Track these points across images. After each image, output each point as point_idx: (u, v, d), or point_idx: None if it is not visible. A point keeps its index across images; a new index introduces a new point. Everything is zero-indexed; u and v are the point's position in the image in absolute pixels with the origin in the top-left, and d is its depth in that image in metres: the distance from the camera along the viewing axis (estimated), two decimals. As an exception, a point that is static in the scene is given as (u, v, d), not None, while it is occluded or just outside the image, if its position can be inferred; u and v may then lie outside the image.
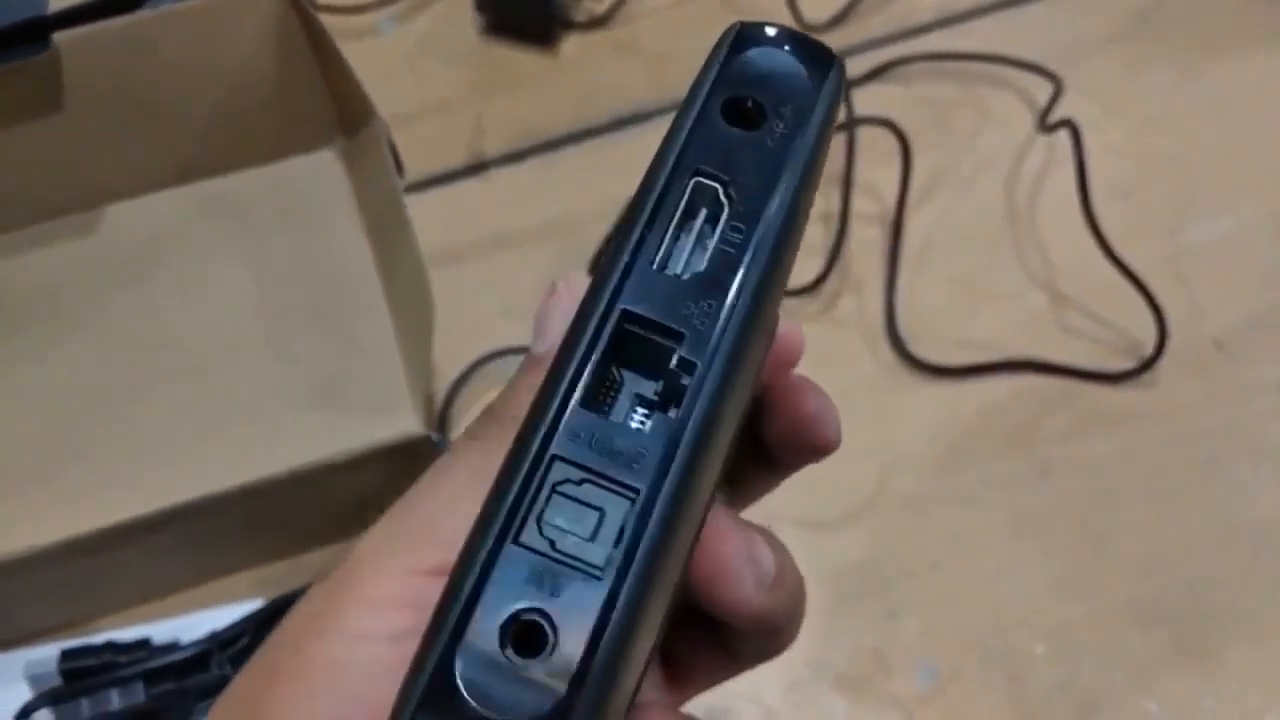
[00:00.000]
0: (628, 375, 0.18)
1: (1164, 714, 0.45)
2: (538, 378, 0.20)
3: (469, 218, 0.56)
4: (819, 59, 0.20)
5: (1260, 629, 0.47)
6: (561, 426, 0.17)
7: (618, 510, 0.17)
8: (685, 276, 0.19)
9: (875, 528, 0.49)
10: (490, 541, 0.17)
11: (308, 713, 0.20)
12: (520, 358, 0.56)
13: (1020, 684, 0.46)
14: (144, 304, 0.49)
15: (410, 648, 0.19)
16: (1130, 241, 0.53)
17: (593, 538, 0.17)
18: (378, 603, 0.20)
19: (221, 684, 0.43)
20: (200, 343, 0.48)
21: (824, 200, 0.56)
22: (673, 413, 0.18)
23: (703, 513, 0.21)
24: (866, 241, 0.55)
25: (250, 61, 0.48)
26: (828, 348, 0.53)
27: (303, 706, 0.20)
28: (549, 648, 0.16)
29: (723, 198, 0.19)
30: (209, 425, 0.46)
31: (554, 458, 0.17)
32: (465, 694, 0.16)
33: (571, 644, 0.16)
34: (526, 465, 0.17)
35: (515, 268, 0.54)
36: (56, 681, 0.43)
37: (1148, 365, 0.51)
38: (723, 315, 0.18)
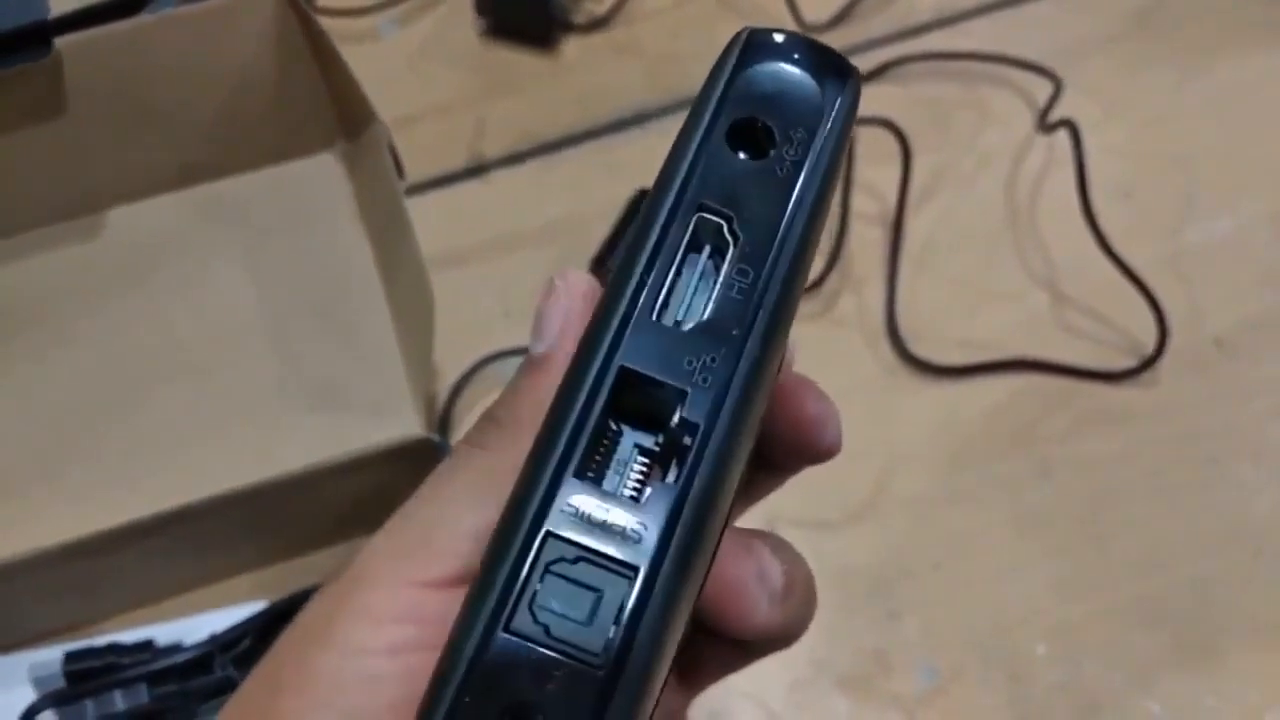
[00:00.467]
0: (626, 428, 0.17)
1: (1165, 714, 0.45)
2: (537, 380, 0.20)
3: (470, 220, 0.56)
4: (835, 72, 0.19)
5: (1262, 628, 0.47)
6: (555, 500, 0.16)
7: (616, 591, 0.16)
8: (688, 326, 0.17)
9: (876, 528, 0.49)
10: (480, 628, 0.15)
11: None
12: (520, 360, 0.56)
13: (1021, 684, 0.46)
14: (146, 307, 0.49)
15: (409, 661, 0.19)
16: (1131, 241, 0.53)
17: (589, 621, 0.16)
18: (377, 616, 0.20)
19: (224, 685, 0.43)
20: (202, 345, 0.48)
21: (824, 201, 0.56)
22: (672, 477, 0.16)
23: (708, 569, 0.20)
24: (867, 241, 0.55)
25: (251, 65, 0.49)
26: (828, 348, 0.53)
27: (306, 718, 0.20)
28: None
29: (728, 234, 0.18)
30: (211, 427, 0.46)
31: (548, 534, 0.16)
32: None
33: None
34: (519, 543, 0.16)
35: (516, 269, 0.54)
36: (60, 684, 0.43)
37: (1148, 365, 0.51)
38: (727, 371, 0.17)
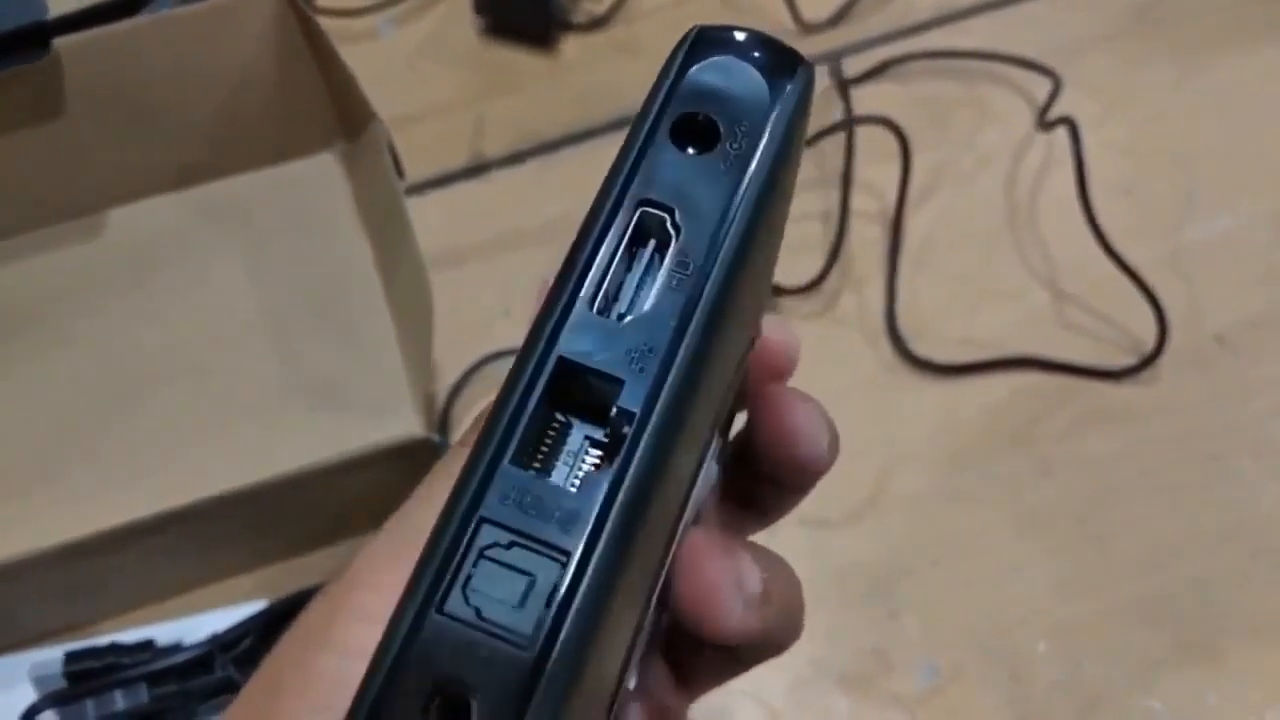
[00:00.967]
0: (575, 420, 0.17)
1: (1166, 712, 0.45)
2: None
3: (469, 219, 0.56)
4: (783, 65, 0.19)
5: (1263, 626, 0.47)
6: (491, 487, 0.16)
7: (548, 575, 0.16)
8: (629, 318, 0.17)
9: (876, 526, 0.49)
10: (413, 611, 0.16)
11: None
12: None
13: (1022, 683, 0.46)
14: (145, 307, 0.49)
15: None
16: (1131, 238, 0.53)
17: (521, 605, 0.16)
18: (376, 617, 0.20)
19: (225, 685, 0.43)
20: (202, 345, 0.48)
21: (824, 199, 0.56)
22: (606, 470, 0.17)
23: (659, 559, 0.20)
24: (866, 240, 0.55)
25: (250, 65, 0.49)
26: (828, 346, 0.53)
27: (307, 719, 0.20)
28: None
29: (670, 227, 0.18)
30: (211, 427, 0.46)
31: (481, 520, 0.16)
32: None
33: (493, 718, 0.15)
34: (453, 529, 0.16)
35: (516, 269, 0.54)
36: (61, 683, 0.43)
37: (1149, 362, 0.51)
38: (664, 360, 0.17)
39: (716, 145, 0.18)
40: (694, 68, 0.19)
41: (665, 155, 0.18)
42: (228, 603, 0.45)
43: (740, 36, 0.19)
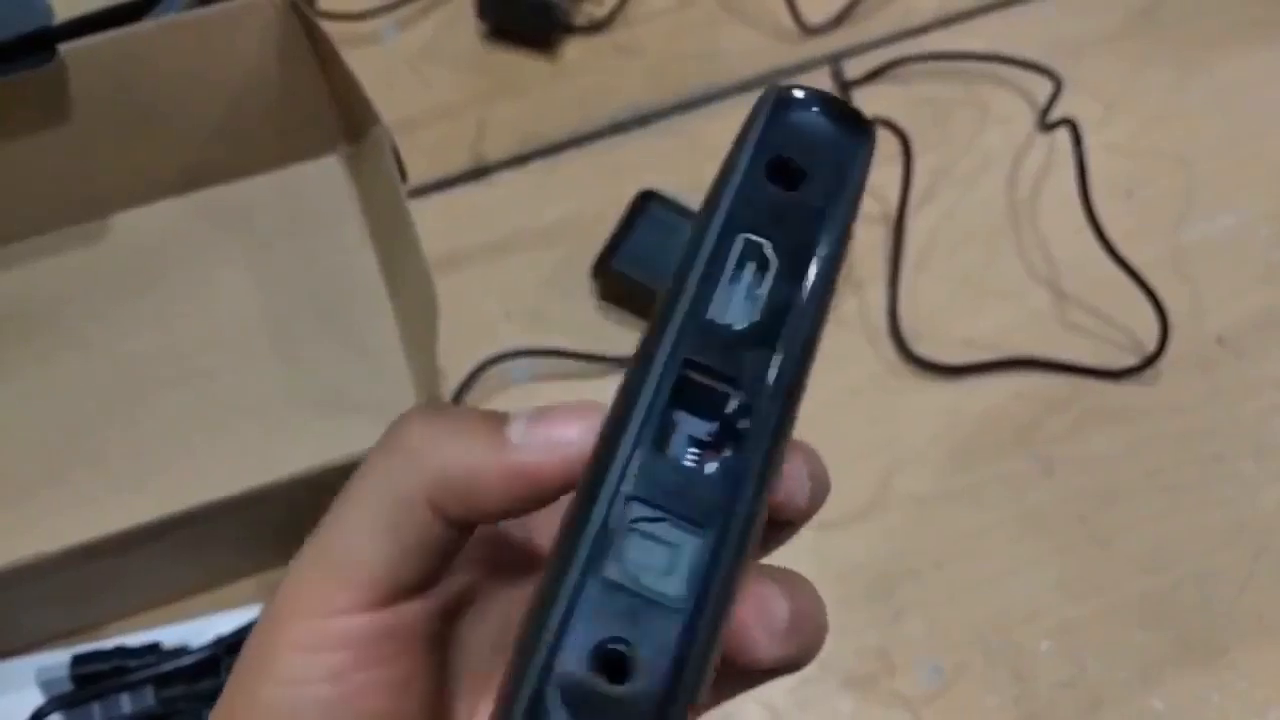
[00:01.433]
0: (681, 417, 0.20)
1: (1169, 711, 0.45)
2: (449, 426, 0.21)
3: (472, 222, 0.56)
4: (855, 123, 0.21)
5: (1265, 625, 0.47)
6: (633, 468, 0.19)
7: (691, 547, 0.18)
8: (739, 327, 0.20)
9: (880, 527, 0.49)
10: (576, 574, 0.18)
11: None
12: (523, 361, 0.56)
13: (1025, 682, 0.46)
14: (151, 311, 0.49)
15: (351, 682, 0.21)
16: (1132, 239, 0.53)
17: (669, 572, 0.18)
18: (308, 648, 0.22)
19: (230, 688, 0.43)
20: (206, 349, 0.48)
21: (826, 201, 0.56)
22: (732, 454, 0.19)
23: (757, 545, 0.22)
24: (869, 242, 0.55)
25: (254, 70, 0.49)
26: (831, 348, 0.52)
27: None
28: (634, 674, 0.17)
29: (768, 254, 0.20)
30: (216, 431, 0.46)
31: (630, 498, 0.19)
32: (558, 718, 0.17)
33: (655, 670, 0.17)
34: (604, 504, 0.18)
35: (518, 271, 0.54)
36: (68, 686, 0.43)
37: (1150, 362, 0.51)
38: (776, 363, 0.20)
39: (802, 185, 0.21)
40: (779, 118, 0.21)
41: (760, 191, 0.21)
42: (233, 605, 0.45)
43: (815, 96, 0.22)
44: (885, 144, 0.57)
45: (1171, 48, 0.60)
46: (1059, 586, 0.48)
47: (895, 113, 0.57)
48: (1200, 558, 0.48)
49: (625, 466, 0.19)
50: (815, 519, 0.51)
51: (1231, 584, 0.48)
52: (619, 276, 0.52)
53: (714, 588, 0.18)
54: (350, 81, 0.47)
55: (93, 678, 0.43)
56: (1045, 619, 0.47)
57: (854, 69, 0.59)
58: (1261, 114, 0.59)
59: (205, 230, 0.51)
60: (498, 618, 0.25)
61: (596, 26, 0.61)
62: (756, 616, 0.21)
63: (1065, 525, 0.49)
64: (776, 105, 0.21)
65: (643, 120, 0.58)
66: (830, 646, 0.49)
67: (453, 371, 0.51)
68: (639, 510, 0.19)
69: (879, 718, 0.45)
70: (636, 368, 0.20)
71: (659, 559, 0.18)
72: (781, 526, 0.25)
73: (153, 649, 0.44)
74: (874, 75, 0.59)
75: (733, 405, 0.19)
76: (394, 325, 0.48)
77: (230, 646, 0.43)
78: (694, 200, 0.50)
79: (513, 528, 0.26)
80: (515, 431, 0.21)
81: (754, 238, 0.20)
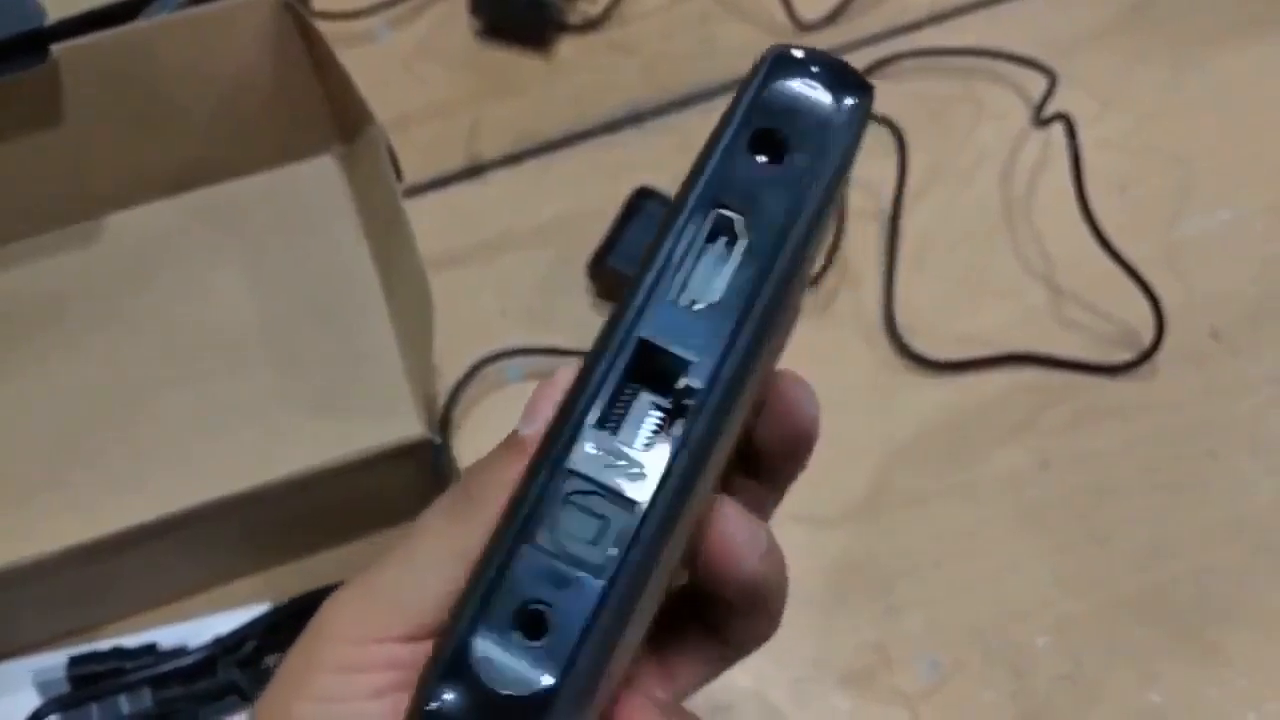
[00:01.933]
0: (643, 390, 0.20)
1: (1167, 706, 0.45)
2: (513, 460, 0.22)
3: (467, 220, 0.56)
4: (850, 86, 0.22)
5: (1262, 619, 0.47)
6: (578, 443, 0.20)
7: (618, 520, 0.19)
8: (699, 307, 0.20)
9: (876, 523, 0.49)
10: (509, 540, 0.19)
11: None
12: (520, 360, 0.56)
13: (1023, 677, 0.46)
14: (146, 311, 0.49)
15: (396, 699, 0.22)
16: (1127, 234, 0.53)
17: (595, 542, 0.19)
18: (350, 669, 0.23)
19: (228, 688, 0.43)
20: (202, 349, 0.48)
21: (821, 198, 0.56)
22: (676, 431, 0.20)
23: (696, 516, 0.22)
24: (864, 238, 0.55)
25: (248, 69, 0.49)
26: (827, 345, 0.53)
27: None
28: (551, 632, 0.19)
29: (739, 229, 0.21)
30: (213, 431, 0.46)
31: (569, 471, 0.20)
32: (476, 668, 0.18)
33: (568, 630, 0.19)
34: (543, 476, 0.20)
35: (514, 269, 0.54)
36: (65, 688, 0.43)
37: (1146, 358, 0.52)
38: (726, 346, 0.20)
39: (787, 157, 0.21)
40: (772, 85, 0.21)
41: (740, 163, 0.21)
42: (231, 606, 0.45)
43: (813, 58, 0.22)
44: (880, 140, 0.57)
45: (1166, 43, 0.61)
46: (1056, 582, 0.48)
47: (890, 109, 0.57)
48: (1197, 553, 0.48)
49: (568, 440, 0.20)
50: (813, 516, 0.52)
51: (1228, 578, 0.48)
52: (615, 274, 0.52)
53: (634, 559, 0.19)
54: (345, 81, 0.47)
55: (90, 679, 0.43)
56: (1043, 614, 0.47)
57: (848, 66, 0.59)
58: (1256, 109, 0.59)
59: (200, 230, 0.51)
60: None
61: (591, 24, 0.61)
62: (749, 533, 0.23)
63: (1062, 521, 0.49)
64: (771, 68, 0.21)
65: (638, 118, 0.58)
66: (828, 643, 0.50)
67: (449, 370, 0.51)
68: (575, 484, 0.19)
69: (877, 714, 0.45)
70: (597, 345, 0.20)
71: (589, 530, 0.19)
72: (795, 456, 0.27)
73: (150, 650, 0.44)
74: (869, 72, 0.59)
75: (681, 384, 0.20)
76: (389, 324, 0.48)
77: (228, 647, 0.43)
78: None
79: None
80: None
81: (727, 212, 0.21)
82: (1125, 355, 0.52)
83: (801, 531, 0.48)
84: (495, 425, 0.24)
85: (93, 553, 0.42)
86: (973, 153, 0.58)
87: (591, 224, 0.54)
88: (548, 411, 0.21)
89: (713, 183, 0.21)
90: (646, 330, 0.20)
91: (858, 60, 0.60)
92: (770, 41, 0.23)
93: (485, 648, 0.19)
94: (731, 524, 0.23)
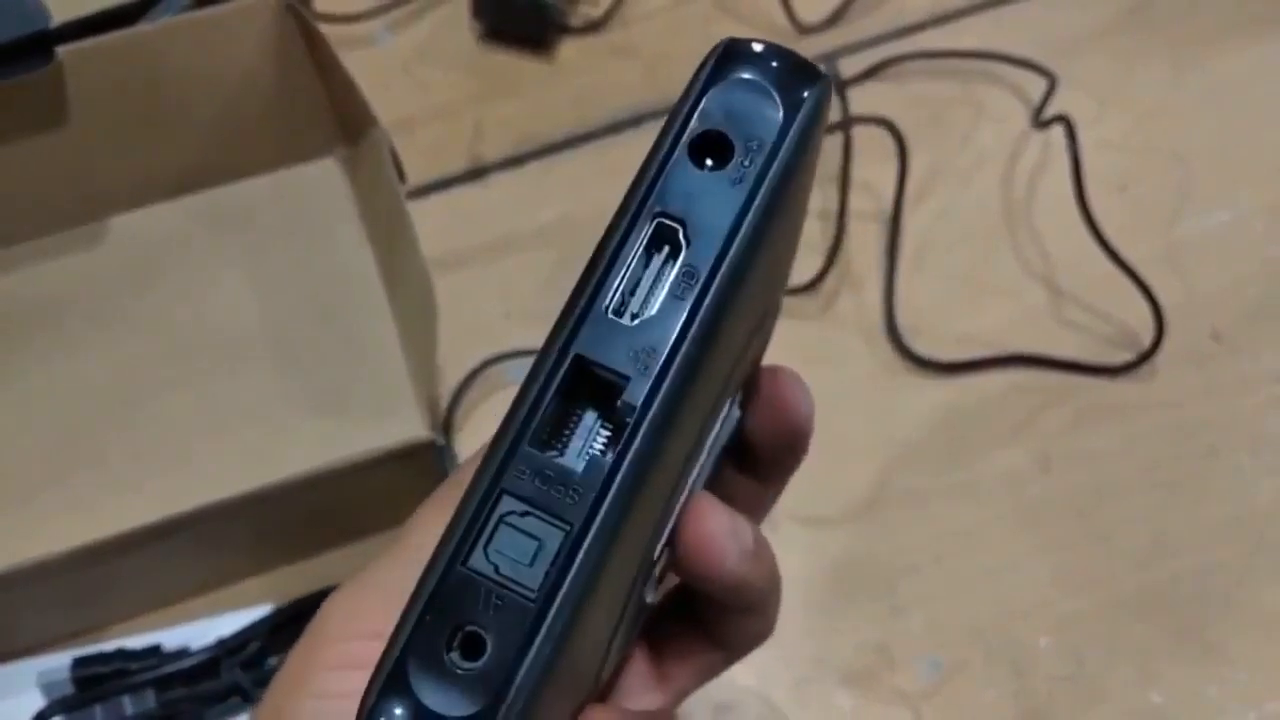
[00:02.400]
0: (588, 410, 0.20)
1: (1168, 705, 0.45)
2: None
3: (469, 223, 0.56)
4: (799, 82, 0.20)
5: (1263, 618, 0.47)
6: (512, 463, 0.19)
7: (553, 540, 0.19)
8: (636, 322, 0.20)
9: (877, 524, 0.49)
10: (444, 564, 0.19)
11: None
12: (522, 362, 0.56)
13: (1024, 676, 0.46)
14: (149, 313, 0.49)
15: None
16: (1127, 235, 0.54)
17: (531, 563, 0.19)
18: (348, 665, 0.23)
19: (232, 689, 0.43)
20: (205, 351, 0.48)
21: (822, 199, 0.56)
22: (609, 455, 0.19)
23: (657, 525, 0.22)
24: (865, 239, 0.55)
25: (251, 72, 0.49)
26: (827, 346, 0.53)
27: None
28: (485, 657, 0.18)
29: (682, 239, 0.20)
30: (215, 432, 0.46)
31: (502, 491, 0.19)
32: (414, 689, 0.18)
33: (503, 653, 0.18)
34: (479, 497, 0.19)
35: (516, 271, 0.55)
36: (69, 689, 0.43)
37: (1146, 358, 0.52)
38: (661, 361, 0.19)
39: (730, 161, 0.20)
40: (717, 83, 0.20)
41: (682, 169, 0.20)
42: (234, 607, 0.45)
43: (764, 52, 0.21)
44: (880, 142, 0.57)
45: (1165, 43, 0.61)
46: (1057, 581, 0.48)
47: (890, 111, 0.58)
48: (1198, 551, 0.48)
49: (503, 460, 0.19)
50: (814, 516, 0.52)
51: (1229, 578, 0.48)
52: (617, 276, 0.52)
53: (568, 580, 0.19)
54: (348, 83, 0.47)
55: (94, 680, 0.43)
56: (1044, 613, 0.47)
57: (849, 68, 0.60)
58: (1255, 109, 0.59)
59: (203, 232, 0.51)
60: None
61: (592, 27, 0.61)
62: (729, 529, 0.23)
63: (1063, 520, 0.49)
64: (717, 66, 0.20)
65: (639, 120, 0.58)
66: (829, 643, 0.50)
67: (451, 372, 0.51)
68: (510, 504, 0.19)
69: (879, 714, 0.45)
70: (535, 363, 0.20)
71: (523, 551, 0.19)
72: (791, 451, 0.27)
73: (154, 651, 0.44)
74: (869, 74, 0.60)
75: (620, 401, 0.19)
76: (393, 326, 0.48)
77: (231, 649, 0.43)
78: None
79: None
80: None
81: (668, 222, 0.20)
82: (1125, 356, 0.52)
83: (803, 532, 0.48)
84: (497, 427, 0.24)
85: (95, 554, 0.42)
86: (973, 154, 0.58)
87: (593, 226, 0.53)
88: None
89: (653, 190, 0.20)
90: (582, 346, 0.19)
91: (858, 62, 0.60)
92: (771, 43, 0.22)
93: (420, 669, 0.18)
94: (709, 522, 0.23)
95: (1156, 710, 0.45)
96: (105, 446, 0.46)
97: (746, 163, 0.20)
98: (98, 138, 0.48)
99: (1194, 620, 0.47)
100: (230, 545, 0.46)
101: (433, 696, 0.18)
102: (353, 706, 0.22)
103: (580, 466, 0.19)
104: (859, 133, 0.57)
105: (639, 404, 0.19)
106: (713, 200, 0.20)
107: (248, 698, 0.43)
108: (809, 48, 0.60)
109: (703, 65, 0.21)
